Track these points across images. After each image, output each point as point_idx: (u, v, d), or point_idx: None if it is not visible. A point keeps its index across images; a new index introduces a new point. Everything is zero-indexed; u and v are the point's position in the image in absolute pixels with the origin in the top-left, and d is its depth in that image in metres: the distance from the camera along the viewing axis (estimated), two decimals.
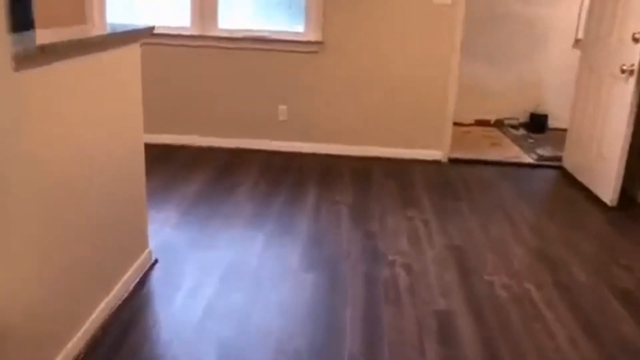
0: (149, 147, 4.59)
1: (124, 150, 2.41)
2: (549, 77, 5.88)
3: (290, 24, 4.54)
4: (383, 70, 4.52)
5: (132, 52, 2.41)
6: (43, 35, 1.99)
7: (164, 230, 3.19)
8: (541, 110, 5.86)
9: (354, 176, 4.21)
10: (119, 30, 2.29)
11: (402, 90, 4.55)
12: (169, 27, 4.51)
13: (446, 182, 4.19)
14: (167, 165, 4.26)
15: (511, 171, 4.54)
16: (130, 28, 2.34)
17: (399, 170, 4.39)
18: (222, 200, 3.66)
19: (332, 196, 3.79)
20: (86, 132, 2.06)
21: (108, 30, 2.33)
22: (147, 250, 2.73)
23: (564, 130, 4.86)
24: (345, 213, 3.53)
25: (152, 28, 2.51)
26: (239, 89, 4.60)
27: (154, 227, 3.16)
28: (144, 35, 2.45)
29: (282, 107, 4.62)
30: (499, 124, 5.94)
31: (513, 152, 5.03)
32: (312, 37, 4.47)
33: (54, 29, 2.19)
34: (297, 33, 4.49)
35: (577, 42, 5.65)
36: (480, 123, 5.94)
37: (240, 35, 4.47)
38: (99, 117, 2.15)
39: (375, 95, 4.57)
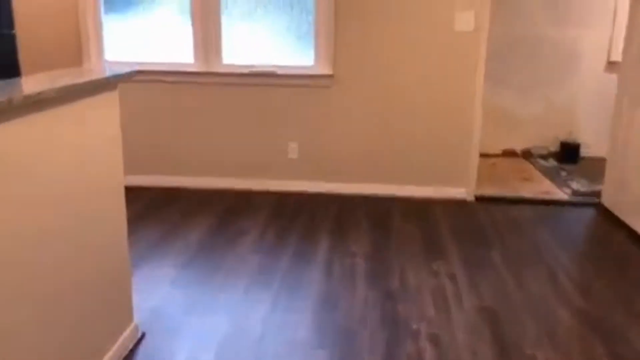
0: (149, 191, 4.34)
1: (100, 211, 2.08)
2: (580, 102, 5.46)
3: (298, 57, 4.21)
4: (400, 103, 4.16)
5: (108, 100, 2.09)
6: (27, 85, 1.70)
7: (157, 292, 2.84)
8: (573, 138, 5.44)
9: (371, 220, 3.83)
10: (94, 77, 1.97)
11: (421, 123, 4.19)
12: (171, 64, 4.22)
13: (474, 226, 3.79)
14: (168, 210, 3.94)
15: (545, 210, 4.12)
16: (104, 74, 2.02)
17: (420, 212, 4.00)
18: (225, 252, 3.30)
19: (346, 246, 3.42)
20: (50, 192, 1.73)
21: (90, 75, 2.01)
22: (132, 325, 2.37)
23: (599, 159, 4.43)
24: (361, 267, 3.15)
25: (133, 73, 2.19)
26: (245, 126, 4.28)
27: (146, 287, 2.82)
28: (122, 81, 2.12)
29: (292, 145, 4.28)
30: (526, 154, 5.52)
31: (545, 187, 4.61)
32: (322, 70, 4.14)
33: (35, 76, 1.91)
34: (307, 67, 4.17)
35: (610, 65, 5.25)
36: (507, 153, 5.54)
37: (245, 70, 4.16)
38: (66, 173, 1.82)
39: (392, 129, 4.21)
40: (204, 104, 4.25)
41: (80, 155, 1.91)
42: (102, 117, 2.06)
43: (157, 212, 3.91)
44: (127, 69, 2.20)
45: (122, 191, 2.28)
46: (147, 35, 4.27)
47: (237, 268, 3.12)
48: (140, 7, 4.24)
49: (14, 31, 3.27)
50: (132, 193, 4.27)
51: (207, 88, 4.22)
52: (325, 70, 4.13)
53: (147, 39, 4.28)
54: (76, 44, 4.18)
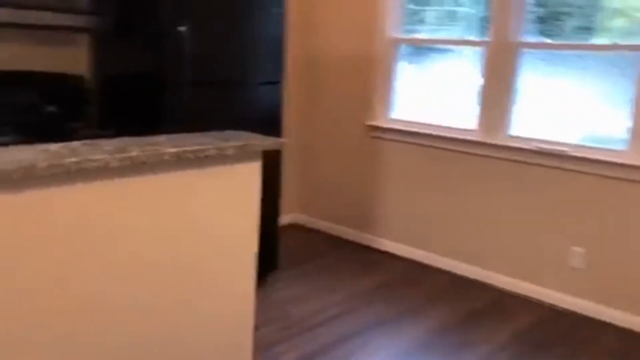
0: (399, 261, 3.95)
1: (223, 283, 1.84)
2: None
3: (606, 138, 3.20)
4: None
5: (244, 170, 1.84)
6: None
7: None
8: None
9: None
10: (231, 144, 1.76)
11: None
12: (452, 129, 3.74)
13: None
14: (406, 290, 3.48)
15: None
16: (241, 143, 1.78)
17: None
18: None
19: None
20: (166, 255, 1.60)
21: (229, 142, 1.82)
22: None
23: None
24: None
25: (281, 142, 1.89)
26: (520, 213, 3.47)
27: None
28: (259, 150, 1.84)
29: (577, 250, 3.27)
30: None
31: None
32: (637, 160, 3.04)
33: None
34: (614, 152, 3.12)
35: None
36: None
37: (530, 146, 3.37)
38: (187, 237, 1.68)
39: None
40: (478, 179, 3.63)
41: (205, 220, 1.75)
42: (236, 186, 1.83)
43: (395, 290, 3.49)
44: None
45: (253, 272, 1.99)
46: (435, 93, 3.89)
47: None
48: (435, 63, 3.90)
49: (281, 83, 3.34)
50: (384, 259, 4.01)
51: (485, 162, 3.59)
52: None
53: (434, 98, 3.90)
54: (365, 97, 4.10)
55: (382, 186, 4.09)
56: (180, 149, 1.62)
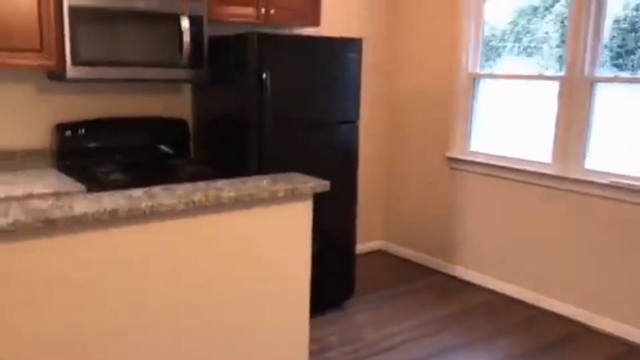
0: (472, 288, 4.01)
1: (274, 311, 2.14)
2: None
3: None
4: None
5: (295, 210, 2.13)
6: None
7: None
8: None
9: None
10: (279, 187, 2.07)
11: None
12: (527, 162, 3.79)
13: None
14: (484, 318, 3.58)
15: None
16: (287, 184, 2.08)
17: None
18: None
19: None
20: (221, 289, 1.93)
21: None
22: None
23: None
24: None
25: (326, 184, 2.16)
26: (597, 248, 3.44)
27: None
28: (309, 192, 2.13)
29: None
30: None
31: None
32: None
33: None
34: None
35: None
36: None
37: (605, 181, 3.35)
38: (238, 272, 1.99)
39: None
40: (554, 212, 3.64)
41: (261, 254, 2.05)
42: (288, 224, 2.13)
43: (470, 318, 3.59)
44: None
45: (306, 304, 2.26)
46: (513, 126, 3.96)
47: None
48: (513, 96, 3.98)
49: (357, 122, 3.61)
50: (463, 288, 4.13)
51: (560, 195, 3.60)
52: None
53: (512, 131, 3.97)
54: (445, 130, 4.25)
55: (461, 216, 4.20)
56: (238, 193, 1.95)
